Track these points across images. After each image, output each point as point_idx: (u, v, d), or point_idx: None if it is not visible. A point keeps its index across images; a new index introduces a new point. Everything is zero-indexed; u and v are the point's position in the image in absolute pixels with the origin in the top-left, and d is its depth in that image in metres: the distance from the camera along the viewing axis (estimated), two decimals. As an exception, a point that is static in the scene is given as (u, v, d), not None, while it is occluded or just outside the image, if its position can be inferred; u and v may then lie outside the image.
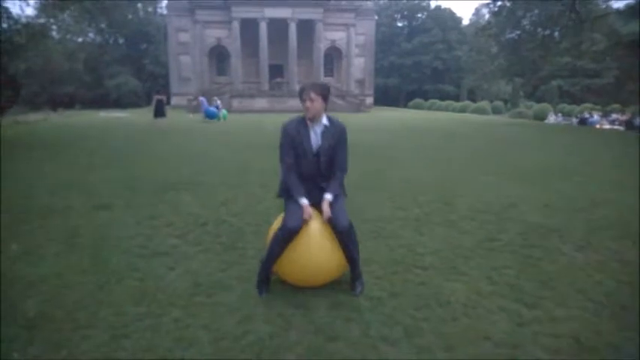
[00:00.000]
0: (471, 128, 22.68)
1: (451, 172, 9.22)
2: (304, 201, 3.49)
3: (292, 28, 42.21)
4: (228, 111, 30.64)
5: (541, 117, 39.44)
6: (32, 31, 25.04)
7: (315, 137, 3.60)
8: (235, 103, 37.72)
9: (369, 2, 49.44)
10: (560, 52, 32.64)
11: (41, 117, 29.04)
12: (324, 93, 3.55)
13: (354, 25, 46.23)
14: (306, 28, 43.07)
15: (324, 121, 3.61)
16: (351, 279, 3.65)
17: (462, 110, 48.18)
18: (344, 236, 3.46)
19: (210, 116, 25.36)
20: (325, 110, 3.61)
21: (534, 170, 9.66)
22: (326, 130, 3.60)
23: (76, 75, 51.69)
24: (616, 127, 30.98)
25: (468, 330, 3.09)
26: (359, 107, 40.00)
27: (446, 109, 50.57)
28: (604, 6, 29.85)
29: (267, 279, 3.61)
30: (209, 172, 8.77)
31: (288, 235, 3.39)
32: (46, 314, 3.19)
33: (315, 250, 3.46)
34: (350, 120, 26.97)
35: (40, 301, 3.39)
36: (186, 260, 4.27)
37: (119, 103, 50.18)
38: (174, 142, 14.47)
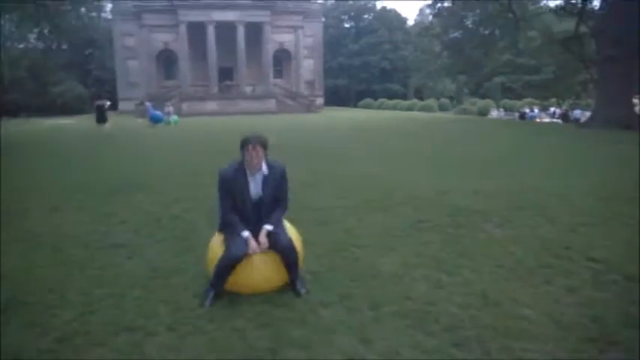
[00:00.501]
0: (417, 125, 23.58)
1: (393, 166, 9.84)
2: (246, 233, 3.52)
3: (240, 31, 42.34)
4: (179, 115, 30.54)
5: (484, 113, 41.22)
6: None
7: (255, 186, 3.61)
8: (185, 106, 37.51)
9: (316, 4, 50.22)
10: (500, 49, 34.32)
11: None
12: (266, 145, 3.55)
13: (301, 27, 46.81)
14: (255, 31, 43.30)
15: (264, 169, 3.60)
16: (290, 281, 3.67)
17: (410, 108, 49.57)
18: (286, 252, 3.54)
19: (156, 120, 25.37)
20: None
21: (471, 161, 10.40)
22: (266, 179, 3.62)
23: (19, 82, 50.03)
24: (555, 120, 32.80)
25: (392, 293, 3.62)
26: (309, 108, 40.61)
27: (394, 107, 51.80)
28: (541, 4, 31.49)
29: (215, 295, 3.56)
30: (160, 174, 9.05)
31: (232, 263, 3.42)
32: (19, 300, 3.52)
33: (259, 271, 3.54)
34: (300, 120, 27.45)
35: (11, 290, 3.69)
36: (142, 250, 4.65)
37: (65, 110, 48.74)
38: (121, 147, 14.58)
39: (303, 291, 3.61)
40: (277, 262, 3.58)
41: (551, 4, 29.91)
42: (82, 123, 29.61)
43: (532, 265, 4.18)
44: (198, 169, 9.48)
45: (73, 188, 7.71)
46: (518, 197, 6.72)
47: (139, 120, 30.25)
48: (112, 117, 23.30)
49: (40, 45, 58.15)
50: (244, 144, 3.50)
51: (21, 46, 53.53)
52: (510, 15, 26.57)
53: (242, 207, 3.59)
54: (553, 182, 7.69)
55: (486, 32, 30.98)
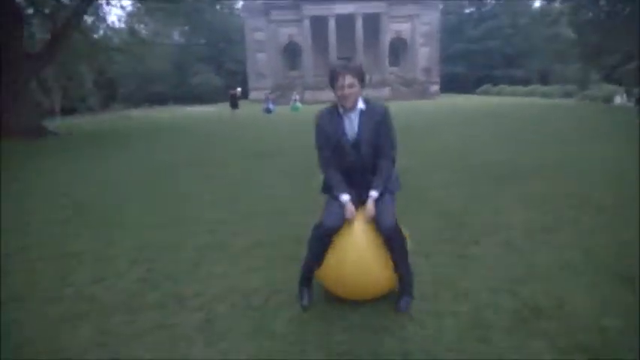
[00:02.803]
0: (514, 109, 24.35)
1: (461, 140, 11.69)
2: (345, 197, 3.11)
3: (359, 23, 44.85)
4: (302, 102, 34.02)
5: (609, 99, 39.52)
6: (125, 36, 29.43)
7: (351, 126, 3.17)
8: (308, 95, 40.91)
9: (433, -7, 50.99)
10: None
11: (142, 113, 33.65)
12: (361, 76, 3.11)
13: (418, 16, 48.15)
14: (372, 22, 45.49)
15: (360, 105, 3.16)
16: (398, 293, 3.18)
17: (530, 94, 48.59)
18: (388, 239, 3.03)
19: (267, 112, 29.74)
20: (360, 94, 3.16)
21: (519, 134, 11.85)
22: (363, 116, 3.16)
23: (165, 75, 57.04)
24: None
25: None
26: (423, 94, 42.02)
27: (514, 94, 51.02)
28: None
29: (309, 285, 3.27)
30: (284, 147, 11.84)
31: (325, 234, 3.06)
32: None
33: (358, 256, 3.04)
34: (410, 106, 29.28)
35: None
36: (280, 185, 7.21)
37: (202, 99, 54.87)
38: (253, 128, 17.83)
39: (403, 307, 3.09)
40: (383, 257, 3.05)
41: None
42: (218, 110, 34.06)
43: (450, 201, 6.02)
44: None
45: (233, 152, 10.92)
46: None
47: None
48: (243, 105, 27.18)
49: (182, 41, 65.49)
50: (333, 75, 3.09)
51: (166, 42, 60.77)
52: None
53: (340, 152, 3.17)
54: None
55: (626, 10, 29.10)
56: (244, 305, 3.27)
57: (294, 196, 6.51)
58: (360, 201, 3.18)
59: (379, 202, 3.10)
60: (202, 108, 39.26)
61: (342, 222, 3.06)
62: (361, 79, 3.10)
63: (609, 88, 44.23)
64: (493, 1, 67.03)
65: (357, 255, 3.03)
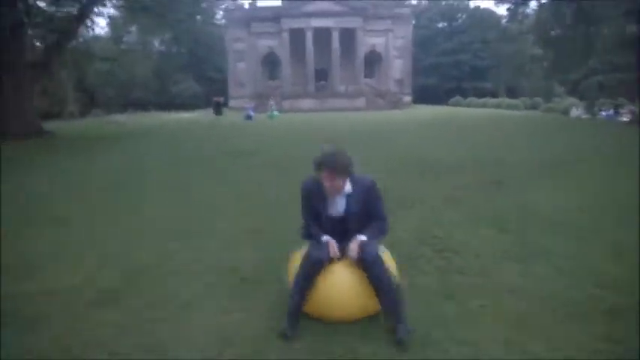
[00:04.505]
0: (475, 120, 26.89)
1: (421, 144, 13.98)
2: (326, 237, 3.18)
3: (335, 36, 47.25)
4: (280, 111, 36.19)
5: (567, 111, 42.61)
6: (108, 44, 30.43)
7: (335, 205, 3.24)
8: (286, 103, 43.02)
9: (406, 9, 53.67)
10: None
11: (125, 118, 35.22)
12: (346, 169, 3.11)
13: (392, 30, 50.75)
14: (348, 35, 47.86)
15: (347, 188, 3.19)
16: (389, 322, 3.10)
17: (497, 106, 51.59)
18: (369, 266, 3.03)
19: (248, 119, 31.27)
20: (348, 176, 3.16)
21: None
22: (350, 198, 3.21)
23: (145, 81, 58.49)
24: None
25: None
26: (396, 105, 44.49)
27: (483, 105, 53.97)
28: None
29: (296, 320, 3.12)
30: (267, 146, 13.95)
31: (313, 266, 3.07)
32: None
33: (343, 286, 3.14)
34: (382, 116, 31.68)
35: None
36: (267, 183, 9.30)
37: (182, 106, 56.34)
38: (238, 132, 19.90)
39: (405, 335, 2.93)
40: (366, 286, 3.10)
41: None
42: (201, 116, 35.97)
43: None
44: (294, 145, 14.27)
45: (225, 152, 12.99)
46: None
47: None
48: (224, 112, 29.20)
49: (162, 49, 67.05)
50: (317, 167, 3.13)
51: (146, 50, 62.08)
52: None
53: (324, 224, 3.26)
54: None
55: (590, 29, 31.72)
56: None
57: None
58: (344, 254, 3.18)
59: (362, 242, 3.11)
60: (185, 114, 40.90)
61: (328, 255, 3.10)
62: (345, 173, 3.11)
63: (571, 101, 47.47)
64: (464, 16, 70.36)
65: (342, 295, 3.12)
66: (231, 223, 5.91)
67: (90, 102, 48.18)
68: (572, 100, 47.35)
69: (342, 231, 3.24)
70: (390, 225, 3.43)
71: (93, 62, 29.87)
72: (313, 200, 3.26)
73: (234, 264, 4.41)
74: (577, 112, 40.89)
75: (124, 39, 53.53)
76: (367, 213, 3.27)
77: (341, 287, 3.14)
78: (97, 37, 37.05)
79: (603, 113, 36.54)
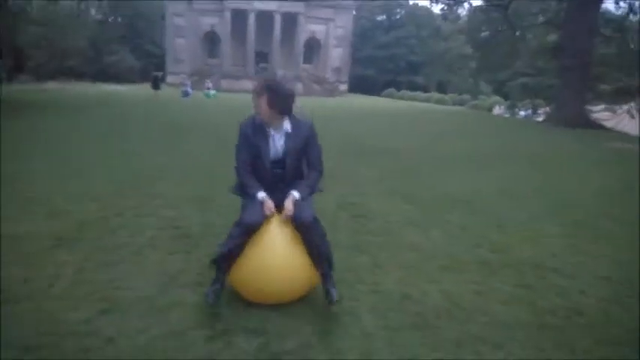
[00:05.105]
0: (407, 112, 28.58)
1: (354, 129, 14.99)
2: (262, 194, 3.07)
3: (277, 20, 47.85)
4: (218, 90, 36.21)
5: (490, 109, 45.44)
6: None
7: (276, 144, 3.16)
8: (224, 83, 43.09)
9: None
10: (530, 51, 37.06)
11: (59, 86, 34.08)
12: (274, 92, 3.03)
13: (333, 20, 51.88)
14: (290, 20, 48.72)
15: (287, 127, 3.15)
16: (322, 285, 3.17)
17: (427, 100, 53.93)
18: (307, 230, 3.03)
19: (184, 96, 31.41)
20: (287, 113, 3.13)
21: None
22: (289, 137, 3.15)
23: (79, 50, 56.08)
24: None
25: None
26: (332, 92, 45.70)
27: (414, 99, 56.17)
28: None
29: (221, 285, 3.10)
30: (201, 124, 14.44)
31: (246, 230, 2.98)
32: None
33: (276, 254, 3.01)
34: (321, 102, 32.56)
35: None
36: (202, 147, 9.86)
37: (116, 78, 54.66)
38: (176, 108, 20.16)
39: (334, 297, 3.07)
40: (303, 256, 3.07)
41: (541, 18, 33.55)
42: (138, 90, 35.45)
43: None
44: (225, 122, 14.88)
45: (164, 125, 13.31)
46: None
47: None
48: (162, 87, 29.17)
49: (99, 16, 64.45)
50: (260, 90, 3.07)
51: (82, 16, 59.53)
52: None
53: (260, 168, 3.18)
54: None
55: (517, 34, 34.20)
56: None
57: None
58: (278, 207, 3.11)
59: (297, 201, 3.06)
60: (121, 87, 40.09)
61: (262, 218, 3.02)
62: (274, 96, 3.02)
63: (494, 99, 50.46)
64: (402, 12, 72.47)
65: (276, 255, 3.00)
66: (172, 189, 6.44)
67: (17, 67, 45.57)
68: (496, 98, 50.29)
69: (279, 178, 3.22)
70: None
71: (27, 25, 28.41)
72: (252, 140, 3.16)
73: (177, 223, 4.96)
74: (499, 110, 43.67)
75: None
76: (304, 157, 3.27)
77: (274, 261, 3.02)
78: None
79: (522, 112, 39.18)
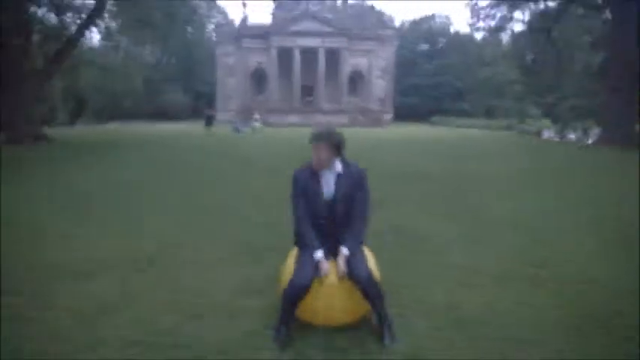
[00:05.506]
0: (447, 139, 28.76)
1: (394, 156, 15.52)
2: (319, 254, 3.26)
3: (321, 55, 49.48)
4: (266, 124, 37.58)
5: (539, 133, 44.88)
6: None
7: (328, 185, 3.36)
8: (272, 118, 44.56)
9: (390, 30, 55.99)
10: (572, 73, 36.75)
11: (117, 126, 36.14)
12: (337, 142, 3.31)
13: (375, 51, 53.15)
14: (333, 55, 50.17)
15: (338, 168, 3.36)
16: (374, 318, 3.38)
17: (473, 126, 53.63)
18: (365, 289, 3.21)
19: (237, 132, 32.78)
20: (339, 156, 3.37)
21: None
22: (339, 178, 3.36)
23: (134, 92, 59.15)
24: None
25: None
26: (377, 122, 46.36)
27: (461, 125, 55.96)
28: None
29: (287, 327, 3.27)
30: (256, 157, 15.38)
31: (297, 293, 3.18)
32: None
33: (332, 301, 3.29)
34: (365, 133, 33.28)
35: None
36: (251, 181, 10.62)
37: (169, 117, 57.09)
38: (230, 143, 21.24)
39: (387, 341, 3.21)
40: (355, 300, 3.31)
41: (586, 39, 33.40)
42: (191, 127, 37.23)
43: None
44: (280, 155, 15.74)
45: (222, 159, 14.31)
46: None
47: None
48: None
49: (153, 59, 67.95)
50: (311, 139, 3.33)
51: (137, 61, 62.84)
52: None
53: (314, 209, 3.37)
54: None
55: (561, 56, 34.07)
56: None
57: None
58: (330, 253, 3.33)
59: (351, 257, 3.25)
60: (175, 125, 42.03)
61: (312, 281, 3.18)
62: (337, 146, 3.30)
63: (545, 123, 49.74)
64: (444, 40, 73.07)
65: (330, 309, 3.31)
66: (244, 218, 7.16)
67: (79, 110, 48.58)
68: (545, 122, 49.60)
69: (331, 219, 3.39)
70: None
71: (91, 71, 30.67)
72: (304, 184, 3.36)
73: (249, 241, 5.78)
74: (548, 133, 43.08)
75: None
76: (353, 201, 3.38)
77: (332, 299, 3.30)
78: (91, 47, 37.92)
79: (572, 135, 38.54)
